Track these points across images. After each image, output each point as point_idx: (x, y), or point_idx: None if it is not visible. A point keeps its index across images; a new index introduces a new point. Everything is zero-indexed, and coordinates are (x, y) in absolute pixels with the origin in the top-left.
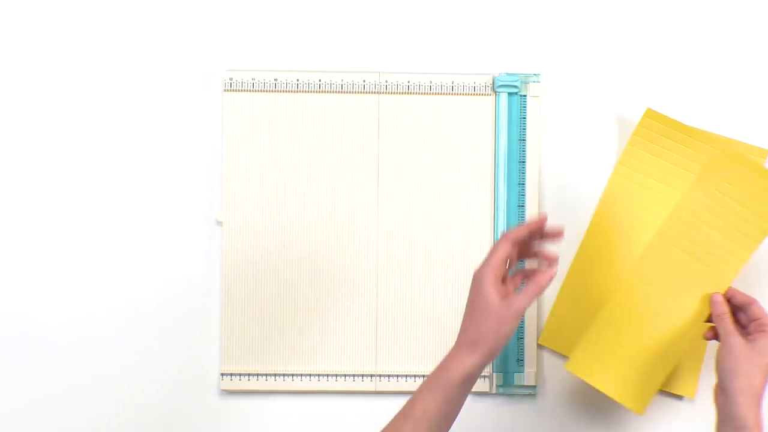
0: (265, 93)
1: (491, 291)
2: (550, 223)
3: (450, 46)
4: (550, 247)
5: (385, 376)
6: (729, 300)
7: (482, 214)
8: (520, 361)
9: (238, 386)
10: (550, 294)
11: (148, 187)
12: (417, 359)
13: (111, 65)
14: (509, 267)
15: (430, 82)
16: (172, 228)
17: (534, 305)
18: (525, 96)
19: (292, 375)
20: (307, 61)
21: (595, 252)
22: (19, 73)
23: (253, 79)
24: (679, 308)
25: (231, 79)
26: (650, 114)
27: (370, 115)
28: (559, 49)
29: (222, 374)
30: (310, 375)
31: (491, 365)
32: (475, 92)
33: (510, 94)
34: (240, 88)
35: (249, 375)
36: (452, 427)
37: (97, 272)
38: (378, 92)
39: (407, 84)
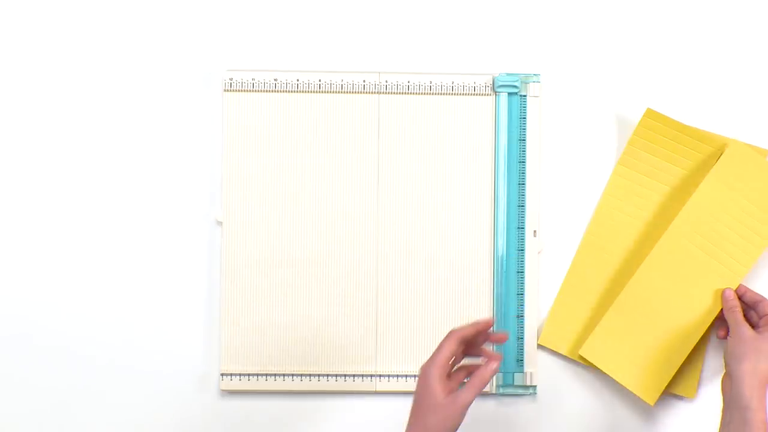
0: (265, 93)
1: (437, 387)
2: (497, 329)
3: (450, 46)
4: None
5: (384, 376)
6: (740, 297)
7: (482, 213)
8: (519, 361)
9: (238, 386)
10: (551, 294)
11: (148, 188)
12: (417, 359)
13: (111, 66)
14: (453, 363)
15: (430, 82)
16: (172, 228)
17: (534, 305)
18: (525, 96)
19: (292, 375)
20: (307, 61)
21: (595, 252)
22: (18, 73)
23: (253, 79)
24: (691, 302)
25: (231, 79)
26: (650, 114)
27: (369, 115)
28: (559, 49)
29: (222, 374)
30: (309, 375)
31: None
32: (475, 92)
33: (510, 94)
34: (240, 88)
35: (249, 375)
36: None
37: (96, 272)
38: (378, 92)
39: (407, 84)
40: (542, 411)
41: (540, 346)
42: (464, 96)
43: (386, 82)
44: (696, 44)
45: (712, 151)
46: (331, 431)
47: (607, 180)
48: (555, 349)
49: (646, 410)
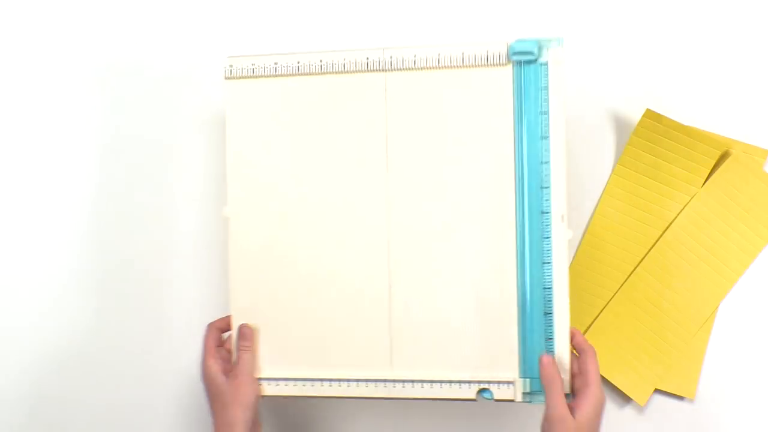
0: (265, 78)
1: (219, 377)
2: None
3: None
4: None
5: (400, 381)
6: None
7: (503, 201)
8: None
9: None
10: None
11: (155, 183)
12: (435, 363)
13: (113, 63)
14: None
15: (438, 55)
16: (179, 224)
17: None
18: (546, 64)
19: (304, 380)
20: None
21: (596, 252)
22: (19, 68)
23: (253, 65)
24: (683, 306)
25: (231, 66)
26: (650, 114)
27: (375, 95)
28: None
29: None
30: (321, 380)
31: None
32: (489, 63)
33: (527, 62)
34: (241, 75)
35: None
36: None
37: (102, 270)
38: (384, 70)
39: (413, 59)
40: (542, 411)
41: None
42: (477, 68)
43: (391, 57)
44: (696, 44)
45: (712, 151)
46: None
47: (607, 180)
48: None
49: (646, 410)
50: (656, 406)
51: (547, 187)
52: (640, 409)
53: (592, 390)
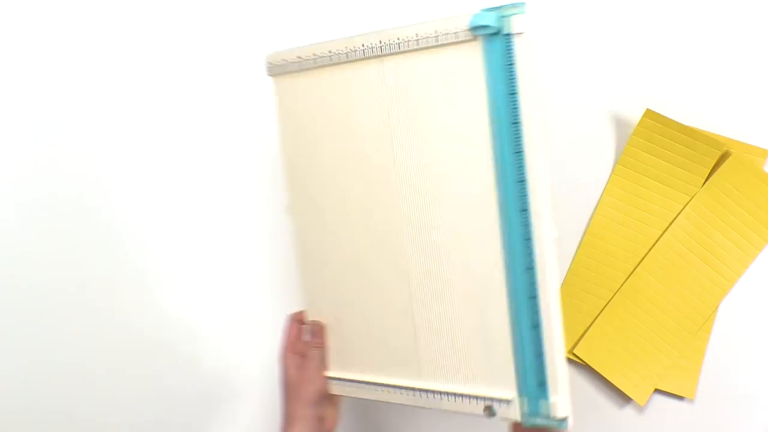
0: (304, 72)
1: (289, 368)
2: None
3: None
4: None
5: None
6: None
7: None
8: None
9: None
10: None
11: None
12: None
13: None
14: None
15: (398, 39)
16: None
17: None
18: (509, 35)
19: (374, 384)
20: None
21: (596, 252)
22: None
23: (299, 57)
24: (683, 306)
25: (271, 62)
26: (650, 114)
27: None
28: (558, 48)
29: None
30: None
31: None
32: (457, 40)
33: (490, 35)
34: (284, 72)
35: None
36: None
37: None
38: (378, 56)
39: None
40: None
41: None
42: (447, 47)
43: (380, 42)
44: (696, 44)
45: (712, 151)
46: None
47: (607, 180)
48: None
49: (646, 410)
50: (656, 406)
51: (522, 181)
52: (640, 409)
53: None
